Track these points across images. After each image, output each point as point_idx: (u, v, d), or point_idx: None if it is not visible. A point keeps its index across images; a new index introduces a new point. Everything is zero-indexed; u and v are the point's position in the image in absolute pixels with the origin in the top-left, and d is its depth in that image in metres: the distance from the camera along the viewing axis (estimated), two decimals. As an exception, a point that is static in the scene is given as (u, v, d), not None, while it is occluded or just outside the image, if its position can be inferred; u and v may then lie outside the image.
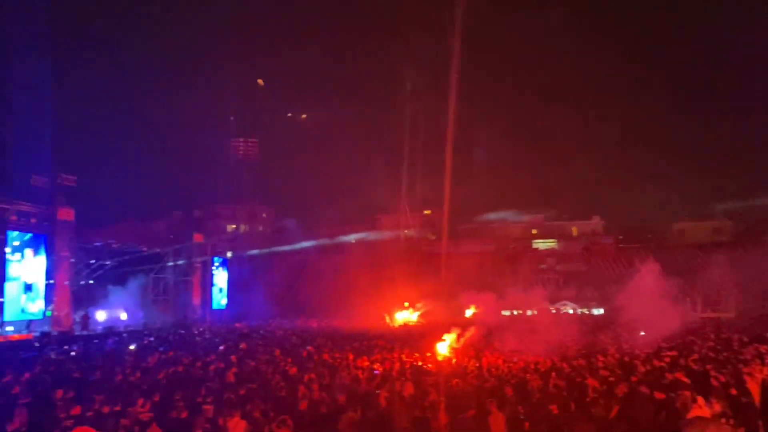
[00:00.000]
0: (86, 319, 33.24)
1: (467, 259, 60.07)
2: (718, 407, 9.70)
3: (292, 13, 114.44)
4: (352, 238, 69.78)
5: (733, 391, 11.28)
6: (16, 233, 27.75)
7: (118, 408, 10.76)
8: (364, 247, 62.33)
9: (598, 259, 60.45)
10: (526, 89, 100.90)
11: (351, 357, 19.57)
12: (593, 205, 74.41)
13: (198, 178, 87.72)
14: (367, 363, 18.25)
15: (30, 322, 28.67)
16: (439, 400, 10.99)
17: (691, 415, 8.48)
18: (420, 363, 18.51)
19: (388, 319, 42.49)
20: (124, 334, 31.46)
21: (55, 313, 29.97)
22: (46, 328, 28.99)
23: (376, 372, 16.09)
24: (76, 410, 10.72)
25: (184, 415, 10.38)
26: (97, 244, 38.64)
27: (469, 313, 40.18)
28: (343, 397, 11.85)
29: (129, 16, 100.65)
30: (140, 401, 11.43)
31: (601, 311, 47.78)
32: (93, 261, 39.22)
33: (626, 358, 17.36)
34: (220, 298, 49.04)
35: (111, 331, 32.82)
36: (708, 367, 14.32)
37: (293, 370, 15.89)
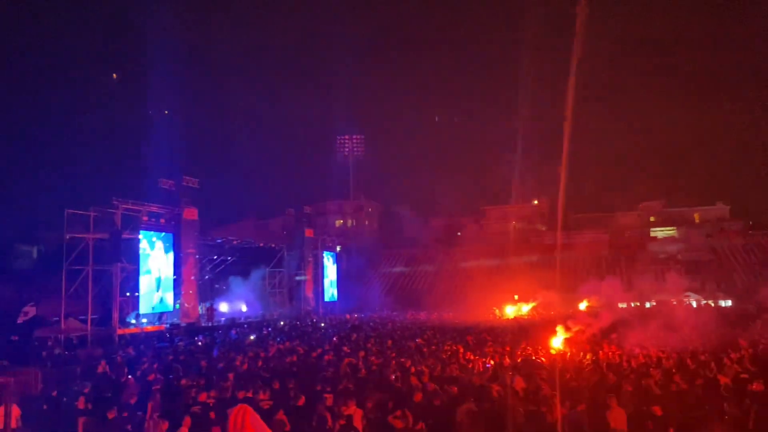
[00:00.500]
0: (212, 311, 35.31)
1: (580, 250, 58.00)
2: None
3: (398, 11, 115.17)
4: (459, 231, 69.41)
5: None
6: (148, 232, 30.01)
7: (249, 395, 11.34)
8: (472, 240, 61.71)
9: (724, 247, 56.11)
10: (646, 77, 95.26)
11: (461, 350, 19.53)
12: (717, 190, 69.15)
13: (308, 175, 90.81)
14: (477, 356, 18.15)
15: (162, 314, 30.92)
16: (553, 394, 10.74)
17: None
18: (532, 356, 18.14)
19: (498, 312, 41.89)
20: (245, 325, 33.15)
21: (184, 305, 32.04)
22: (175, 320, 31.14)
23: (487, 365, 15.97)
24: (204, 396, 11.47)
25: (301, 402, 10.82)
26: (219, 240, 40.97)
27: (582, 306, 38.78)
28: (456, 389, 11.86)
29: (242, 22, 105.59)
30: (261, 389, 12.03)
31: (729, 303, 44.47)
32: (215, 257, 41.50)
33: (762, 354, 16.09)
34: (331, 291, 50.53)
35: (233, 322, 34.67)
36: None
37: (405, 362, 16.09)
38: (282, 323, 34.48)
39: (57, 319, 26.79)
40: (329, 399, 10.68)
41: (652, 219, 68.39)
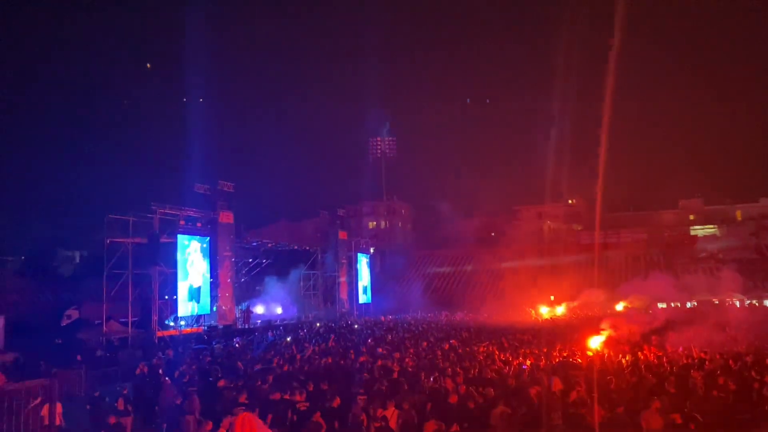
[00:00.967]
0: (248, 314, 35.73)
1: (618, 250, 56.99)
2: None
3: (430, 10, 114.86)
4: (493, 232, 68.97)
5: None
6: (185, 236, 30.52)
7: (287, 396, 11.42)
8: (507, 240, 61.16)
9: (769, 245, 54.27)
10: (684, 72, 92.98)
11: (497, 351, 19.37)
12: (759, 185, 67.00)
13: (341, 178, 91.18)
14: (513, 358, 17.97)
15: (199, 316, 31.42)
16: (592, 397, 10.57)
17: None
18: (569, 358, 17.88)
19: (533, 313, 41.43)
20: (281, 327, 33.44)
21: (221, 308, 32.46)
22: (212, 322, 31.57)
23: (524, 367, 15.80)
24: (243, 398, 11.59)
25: (337, 404, 10.85)
26: (254, 243, 41.45)
27: (619, 307, 38.09)
28: (492, 391, 11.76)
29: (276, 26, 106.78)
30: (298, 391, 12.10)
31: (774, 303, 43.07)
32: (250, 260, 41.98)
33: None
34: (365, 293, 50.64)
35: (269, 324, 35.00)
36: None
37: (441, 364, 16.02)
38: (317, 325, 34.68)
39: (99, 321, 27.45)
40: (362, 400, 10.70)
41: (691, 217, 66.76)
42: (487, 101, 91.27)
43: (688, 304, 39.11)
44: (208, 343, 26.42)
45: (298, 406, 10.85)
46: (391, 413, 9.91)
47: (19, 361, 21.66)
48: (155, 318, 27.77)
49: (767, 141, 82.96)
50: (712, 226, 63.37)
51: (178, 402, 12.03)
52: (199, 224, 31.69)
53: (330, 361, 17.65)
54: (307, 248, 46.31)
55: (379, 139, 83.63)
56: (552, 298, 45.88)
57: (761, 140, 75.49)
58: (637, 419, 9.54)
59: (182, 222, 30.13)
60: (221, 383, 13.73)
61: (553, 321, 36.51)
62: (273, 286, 40.97)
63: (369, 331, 29.65)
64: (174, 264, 29.41)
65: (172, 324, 29.51)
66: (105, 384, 17.52)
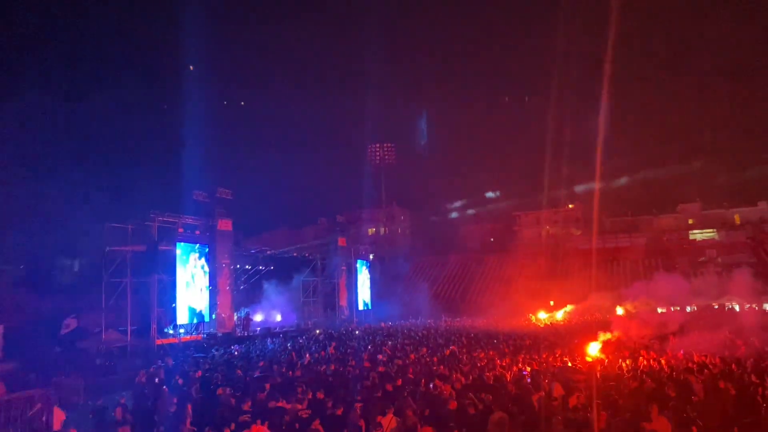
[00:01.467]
0: (248, 321, 35.64)
1: (616, 254, 57.04)
2: None
3: (428, 12, 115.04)
4: (492, 237, 68.97)
5: None
6: (183, 244, 30.49)
7: (282, 404, 11.40)
8: (504, 245, 61.20)
9: (768, 249, 54.23)
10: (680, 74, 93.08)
11: (496, 357, 19.34)
12: (758, 189, 66.99)
13: (340, 184, 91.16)
14: (512, 363, 17.94)
15: (198, 324, 31.32)
16: (593, 403, 10.53)
17: None
18: (569, 364, 17.85)
19: (533, 319, 41.38)
20: (280, 335, 33.36)
21: (220, 315, 32.39)
22: (212, 330, 31.49)
23: (524, 372, 15.77)
24: (247, 405, 11.56)
25: (339, 412, 10.82)
26: (253, 250, 41.40)
27: (619, 311, 38.03)
28: (491, 397, 11.74)
29: (272, 32, 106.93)
30: (298, 399, 12.07)
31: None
32: (249, 267, 41.90)
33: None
34: (365, 299, 50.55)
35: (268, 331, 34.91)
36: None
37: (441, 370, 15.99)
38: (317, 332, 34.60)
39: (98, 330, 27.37)
40: (359, 408, 10.68)
41: (690, 221, 66.83)
42: (482, 112, 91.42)
43: (687, 309, 39.03)
44: (207, 350, 26.36)
45: (299, 413, 10.83)
46: (390, 420, 9.89)
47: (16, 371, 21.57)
48: (154, 326, 27.71)
49: (766, 144, 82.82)
50: (710, 230, 63.40)
51: (172, 410, 11.99)
52: (197, 232, 31.70)
53: (333, 368, 17.62)
54: (307, 255, 46.26)
55: (377, 145, 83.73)
56: (552, 303, 45.85)
57: (760, 144, 75.56)
58: (640, 426, 9.50)
59: (181, 230, 30.16)
60: (220, 391, 13.70)
61: (553, 326, 36.44)
62: (272, 293, 40.88)
63: (369, 338, 29.58)
64: (173, 272, 29.38)
65: (171, 332, 29.44)
66: (104, 393, 17.45)
